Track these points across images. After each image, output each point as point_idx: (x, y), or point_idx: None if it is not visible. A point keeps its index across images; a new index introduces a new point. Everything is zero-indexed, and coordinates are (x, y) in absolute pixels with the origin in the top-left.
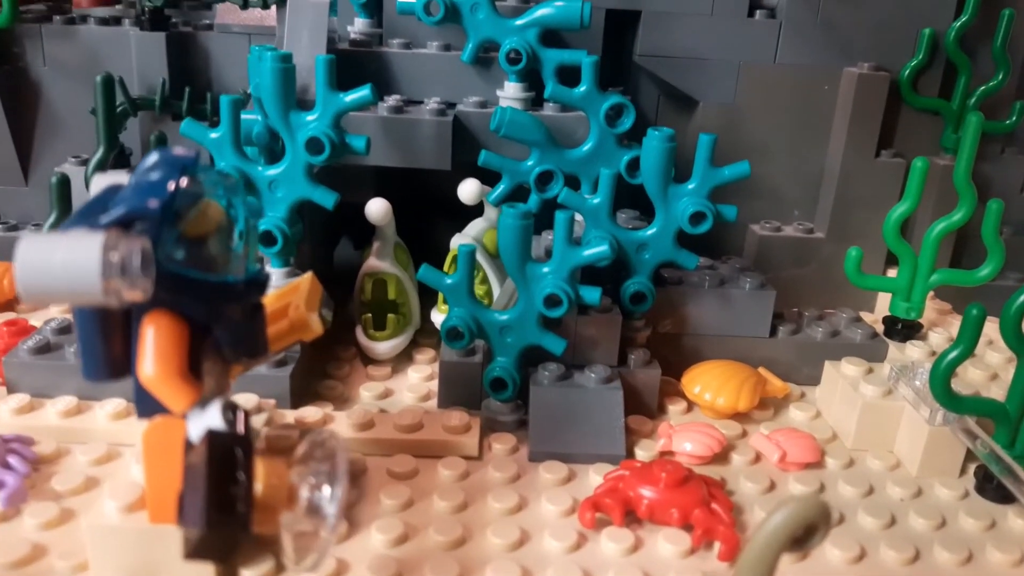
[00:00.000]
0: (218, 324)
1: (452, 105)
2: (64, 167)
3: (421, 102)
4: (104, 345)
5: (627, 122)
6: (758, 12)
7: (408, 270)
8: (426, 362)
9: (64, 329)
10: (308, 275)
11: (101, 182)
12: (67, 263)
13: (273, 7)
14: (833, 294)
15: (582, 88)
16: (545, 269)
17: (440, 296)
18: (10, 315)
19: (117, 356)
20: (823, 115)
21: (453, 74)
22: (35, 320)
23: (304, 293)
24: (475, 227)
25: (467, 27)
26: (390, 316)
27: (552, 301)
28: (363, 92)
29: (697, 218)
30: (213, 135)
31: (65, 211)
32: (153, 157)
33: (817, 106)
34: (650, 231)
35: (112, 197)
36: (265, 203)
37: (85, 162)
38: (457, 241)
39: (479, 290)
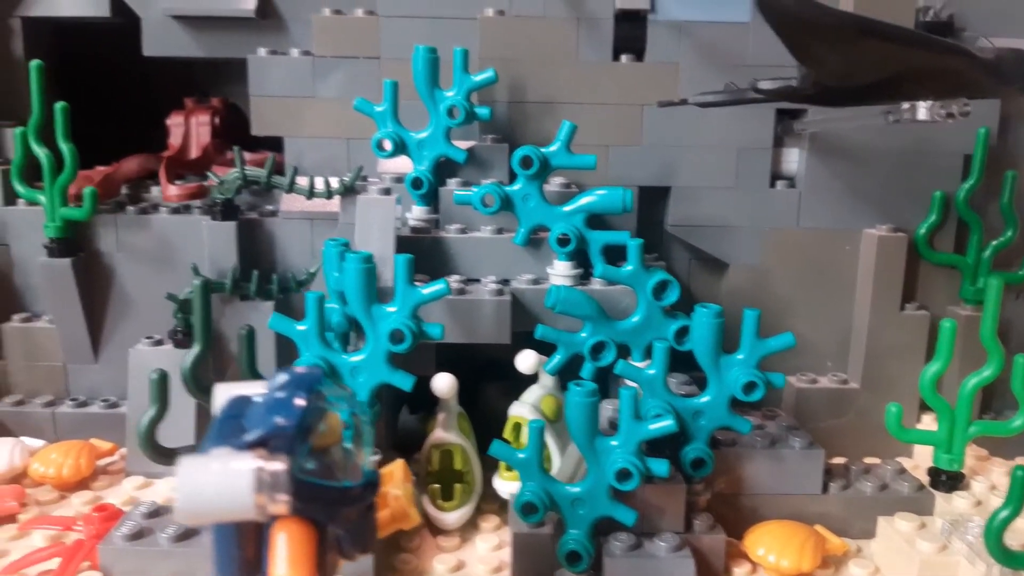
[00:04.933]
0: (337, 524)
1: (506, 282)
2: (138, 347)
3: (478, 280)
4: (239, 551)
5: (672, 296)
6: (778, 183)
7: (470, 438)
8: (492, 530)
9: (153, 513)
10: (400, 462)
11: (223, 393)
12: (223, 486)
13: (336, 196)
14: (869, 441)
15: (629, 267)
16: (613, 442)
17: (503, 463)
18: (86, 493)
19: (250, 560)
20: (846, 273)
21: (506, 254)
22: (112, 497)
23: (399, 481)
24: (533, 394)
25: (519, 214)
26: (457, 486)
27: (623, 475)
28: (439, 287)
29: (750, 387)
30: (300, 327)
31: (164, 406)
32: (283, 376)
33: (840, 265)
34: (704, 399)
35: (241, 412)
36: None
37: (159, 343)
38: (516, 410)
39: None
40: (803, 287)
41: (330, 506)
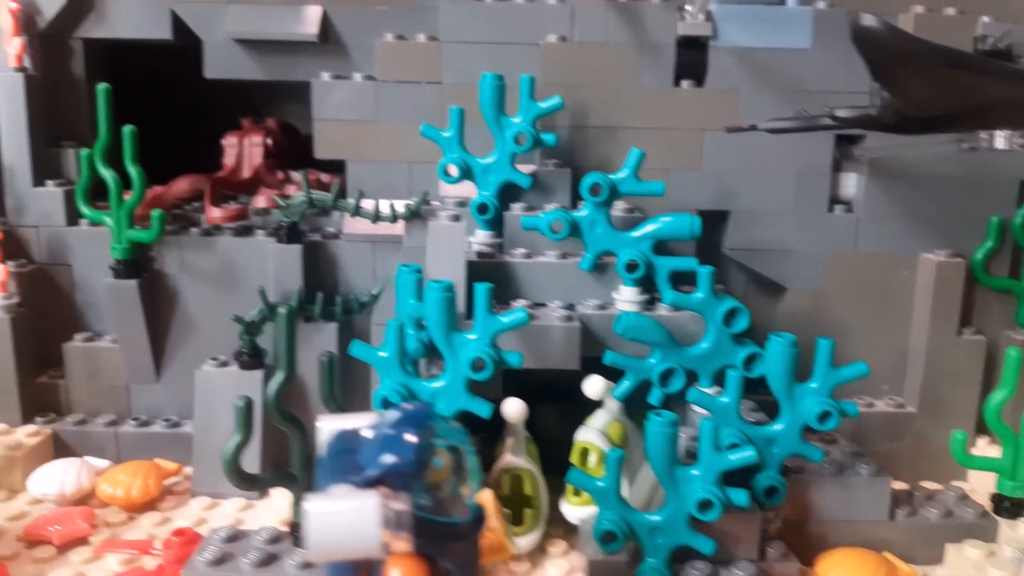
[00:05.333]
0: (447, 559)
1: (571, 307)
2: (204, 368)
3: (544, 305)
4: None
5: (742, 323)
6: (836, 207)
7: (537, 463)
8: (560, 555)
9: (232, 538)
10: (488, 493)
11: (328, 427)
12: (351, 525)
13: (401, 220)
14: (925, 465)
15: (699, 295)
16: (694, 472)
17: (570, 487)
18: (155, 515)
19: None
20: (903, 297)
21: (571, 279)
22: (180, 519)
23: (493, 513)
24: (599, 420)
25: (586, 240)
26: (527, 511)
27: (705, 505)
28: (519, 315)
29: (824, 416)
30: (381, 354)
31: (248, 433)
32: (394, 413)
33: (897, 289)
34: (777, 427)
35: (351, 447)
36: None
37: (224, 364)
38: (583, 435)
39: None
40: (860, 311)
41: (442, 542)
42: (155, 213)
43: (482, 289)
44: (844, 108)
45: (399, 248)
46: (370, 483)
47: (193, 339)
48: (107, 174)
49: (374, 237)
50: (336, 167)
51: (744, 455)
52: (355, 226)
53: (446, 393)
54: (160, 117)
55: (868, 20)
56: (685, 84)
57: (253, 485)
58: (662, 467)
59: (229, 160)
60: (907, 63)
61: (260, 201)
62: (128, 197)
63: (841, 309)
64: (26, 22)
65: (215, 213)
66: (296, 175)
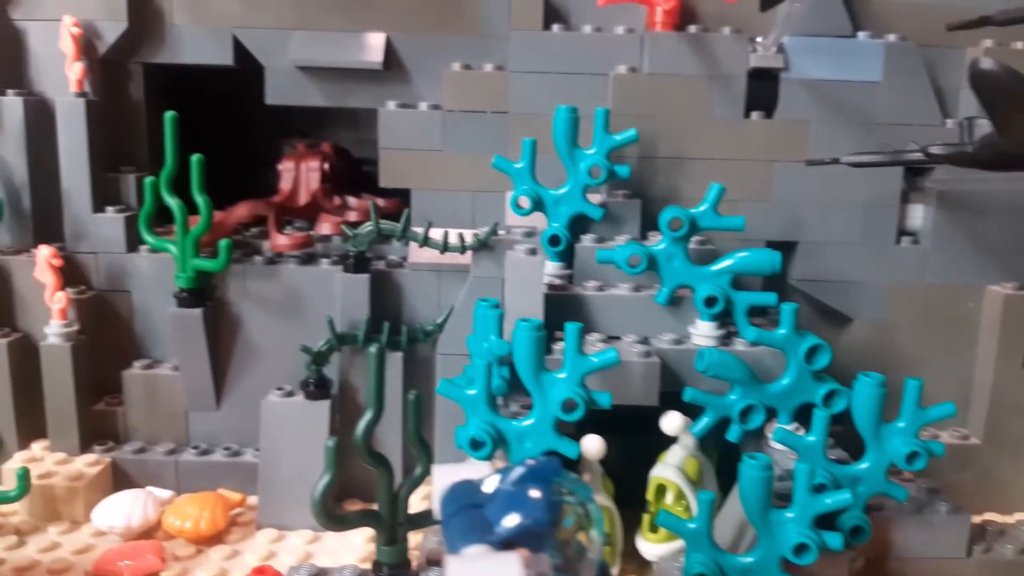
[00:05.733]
0: None
1: (646, 340)
2: (270, 398)
3: (617, 338)
4: None
5: (823, 360)
6: (903, 239)
7: (612, 499)
8: None
9: None
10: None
11: (444, 477)
12: None
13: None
14: (988, 498)
15: (782, 331)
16: (789, 515)
17: (645, 523)
18: (223, 548)
19: None
20: (969, 328)
21: (645, 312)
22: (249, 552)
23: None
24: (675, 456)
25: (662, 274)
26: (605, 547)
27: (801, 549)
28: (610, 355)
29: (912, 457)
30: (470, 392)
31: (336, 472)
32: (520, 469)
33: (963, 321)
34: (863, 466)
35: (474, 500)
36: (513, 455)
37: (290, 394)
38: (660, 472)
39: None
40: (925, 342)
41: None
42: (223, 243)
43: (572, 329)
44: (938, 145)
45: (464, 277)
46: (504, 543)
47: (253, 366)
48: (173, 202)
49: (439, 266)
50: (390, 191)
51: (840, 498)
52: (420, 254)
53: (534, 432)
54: (208, 139)
55: (987, 63)
56: (755, 115)
57: (341, 525)
58: (755, 510)
59: (286, 185)
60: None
61: (324, 228)
62: (194, 225)
63: (906, 340)
64: (87, 47)
65: (281, 241)
66: (353, 200)
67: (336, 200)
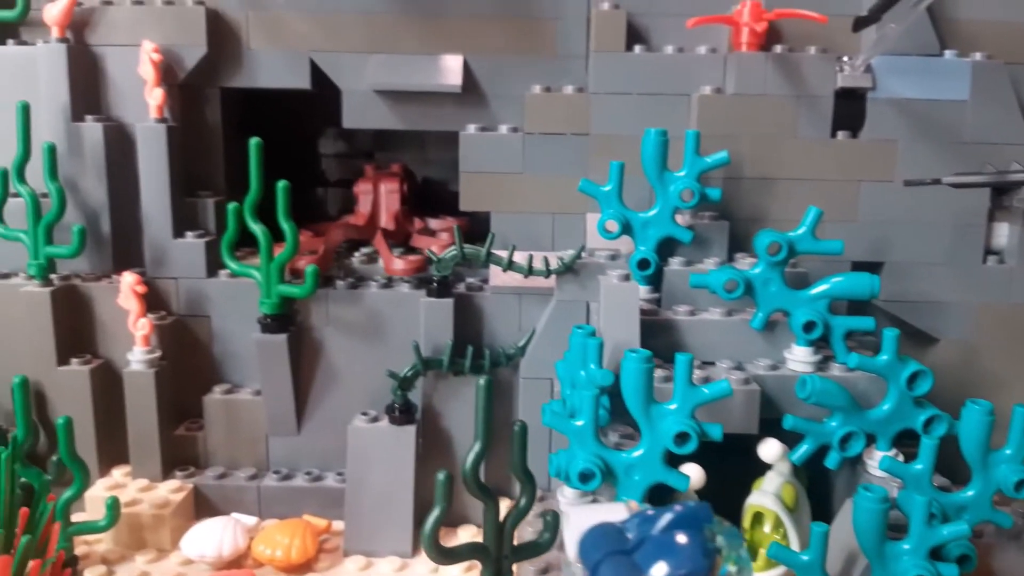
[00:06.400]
0: None
1: (740, 366)
2: (356, 424)
3: (712, 364)
4: None
5: (925, 386)
6: (989, 258)
7: None
8: None
9: None
10: None
11: (581, 520)
12: None
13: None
14: None
15: (884, 357)
16: (906, 546)
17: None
18: (308, 574)
19: None
20: None
21: (739, 337)
22: None
23: None
24: (772, 483)
25: (758, 298)
26: None
27: None
28: (723, 387)
29: (1021, 485)
30: (577, 423)
31: (448, 506)
32: (668, 515)
33: None
34: (969, 493)
35: (620, 544)
36: (621, 488)
37: (375, 419)
38: (757, 499)
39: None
40: (1011, 362)
41: None
42: (309, 269)
43: (683, 360)
44: None
45: (546, 300)
46: None
47: (334, 390)
48: (257, 229)
49: (520, 289)
50: (457, 212)
51: (956, 530)
52: (501, 277)
53: (642, 464)
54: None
55: None
56: (841, 135)
57: (451, 559)
58: (871, 543)
59: (364, 208)
60: None
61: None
62: (280, 252)
63: (992, 360)
64: (166, 72)
65: (398, 265)
66: (434, 222)
67: (418, 222)
